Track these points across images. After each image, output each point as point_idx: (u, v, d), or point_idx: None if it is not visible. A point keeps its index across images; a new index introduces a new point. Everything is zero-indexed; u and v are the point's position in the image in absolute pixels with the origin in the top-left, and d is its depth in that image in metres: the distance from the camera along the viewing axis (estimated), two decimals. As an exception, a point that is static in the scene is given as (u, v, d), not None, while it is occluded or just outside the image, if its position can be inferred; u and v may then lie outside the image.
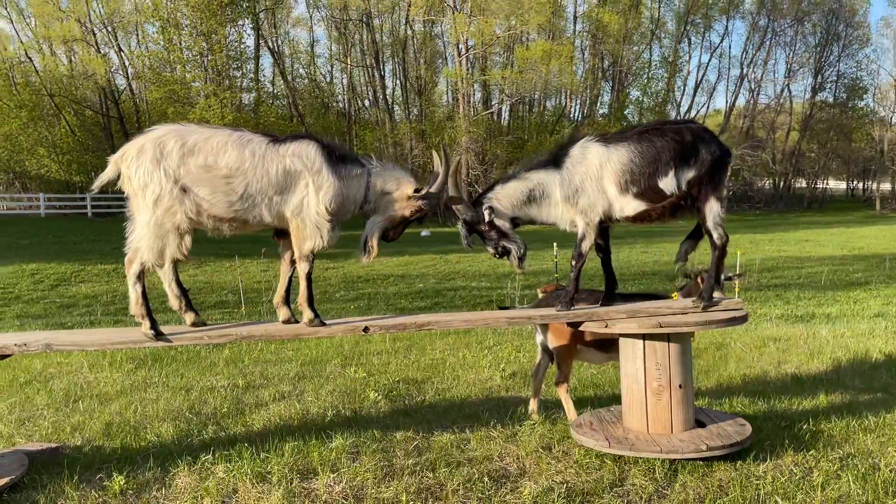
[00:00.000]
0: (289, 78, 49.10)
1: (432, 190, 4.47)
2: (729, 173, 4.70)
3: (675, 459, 4.29)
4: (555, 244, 15.23)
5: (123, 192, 4.17)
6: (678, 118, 53.91)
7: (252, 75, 43.62)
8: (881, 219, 49.80)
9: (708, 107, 62.48)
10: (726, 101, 63.48)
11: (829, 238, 32.16)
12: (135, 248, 4.14)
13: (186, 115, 33.92)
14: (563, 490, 3.99)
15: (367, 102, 52.82)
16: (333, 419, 5.49)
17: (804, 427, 4.99)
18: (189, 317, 4.42)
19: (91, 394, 6.37)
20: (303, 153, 4.27)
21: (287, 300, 4.57)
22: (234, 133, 4.25)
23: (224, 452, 4.53)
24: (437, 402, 6.01)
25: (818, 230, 37.03)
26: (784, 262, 22.39)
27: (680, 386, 4.52)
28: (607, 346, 5.27)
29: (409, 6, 46.22)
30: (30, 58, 40.34)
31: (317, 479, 4.18)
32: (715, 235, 4.59)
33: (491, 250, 4.68)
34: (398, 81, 51.02)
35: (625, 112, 54.68)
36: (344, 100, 52.40)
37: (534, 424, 5.10)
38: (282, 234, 4.47)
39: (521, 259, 4.68)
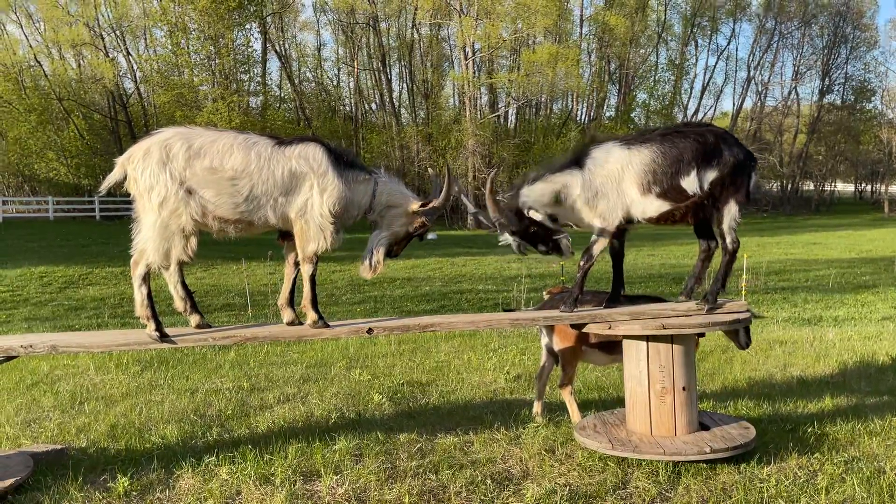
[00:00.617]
0: (296, 81, 49.27)
1: (436, 205, 4.49)
2: (754, 178, 4.72)
3: (678, 462, 4.28)
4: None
5: (130, 195, 4.21)
6: (690, 121, 53.99)
7: (259, 79, 43.81)
8: (889, 221, 49.52)
9: (715, 109, 62.46)
10: (733, 104, 63.38)
11: (836, 241, 32.01)
12: (140, 249, 4.17)
13: (194, 118, 34.08)
14: (566, 492, 3.99)
15: (373, 106, 52.95)
16: (337, 421, 5.50)
17: (809, 430, 4.97)
18: (194, 319, 4.44)
19: (97, 396, 6.40)
20: (309, 155, 4.30)
21: (291, 302, 4.59)
22: (240, 136, 4.28)
23: (228, 454, 4.55)
24: (442, 405, 6.01)
25: (826, 233, 36.86)
26: (791, 264, 22.29)
27: (683, 388, 4.51)
28: (613, 347, 5.26)
29: (416, 10, 46.29)
30: (39, 62, 40.64)
31: (320, 481, 4.19)
32: (728, 240, 4.63)
33: (542, 248, 4.70)
34: (405, 84, 51.15)
35: (631, 115, 54.63)
36: (351, 103, 52.54)
37: (537, 427, 5.10)
38: (286, 236, 4.50)
39: (570, 251, 4.72)
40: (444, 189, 4.50)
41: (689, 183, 4.51)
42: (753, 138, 55.57)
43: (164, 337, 4.20)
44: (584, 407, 5.77)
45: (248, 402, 6.15)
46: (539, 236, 4.66)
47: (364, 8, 46.98)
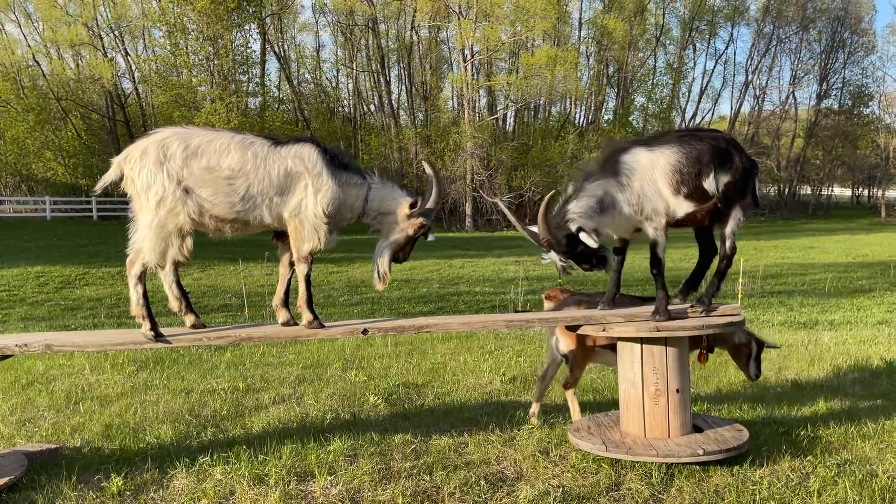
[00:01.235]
0: (294, 83, 49.29)
1: (429, 205, 4.50)
2: (757, 185, 4.82)
3: (671, 464, 4.29)
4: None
5: (128, 195, 4.22)
6: (693, 126, 54.09)
7: (258, 80, 43.81)
8: (886, 226, 49.66)
9: (713, 113, 62.57)
10: (731, 108, 63.64)
11: (833, 245, 32.09)
12: (136, 249, 4.18)
13: (192, 119, 34.08)
14: (560, 494, 4.00)
15: (372, 107, 52.99)
16: (332, 422, 5.51)
17: (802, 433, 4.99)
18: (189, 319, 4.45)
19: (92, 395, 6.40)
20: (304, 155, 4.31)
21: (286, 302, 4.60)
22: (237, 136, 4.30)
23: (222, 454, 4.55)
24: (437, 406, 6.02)
25: (822, 237, 36.93)
26: (788, 268, 22.35)
27: (677, 390, 4.53)
28: None
29: (415, 12, 46.35)
30: (37, 62, 40.62)
31: (314, 482, 4.20)
32: (728, 244, 4.69)
33: (586, 266, 4.61)
34: (403, 86, 51.18)
35: (629, 118, 54.70)
36: (349, 104, 52.60)
37: (532, 429, 5.11)
38: (281, 236, 4.51)
39: (612, 265, 4.69)
40: (434, 189, 4.51)
41: (710, 184, 4.57)
42: (751, 142, 55.69)
43: (159, 337, 4.20)
44: (580, 409, 5.79)
45: (244, 402, 6.15)
46: (585, 255, 4.56)
47: (363, 10, 47.03)
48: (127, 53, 41.42)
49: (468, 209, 42.99)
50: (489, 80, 46.00)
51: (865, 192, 73.15)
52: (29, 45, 41.88)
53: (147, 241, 4.11)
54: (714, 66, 69.63)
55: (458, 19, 43.53)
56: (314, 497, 4.02)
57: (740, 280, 15.33)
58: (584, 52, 51.71)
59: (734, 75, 65.22)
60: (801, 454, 4.56)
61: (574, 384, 5.35)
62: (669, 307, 4.66)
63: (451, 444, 4.85)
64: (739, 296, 14.76)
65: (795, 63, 60.65)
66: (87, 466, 4.45)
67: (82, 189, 38.55)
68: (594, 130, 49.86)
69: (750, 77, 59.48)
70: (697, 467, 4.31)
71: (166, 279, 4.35)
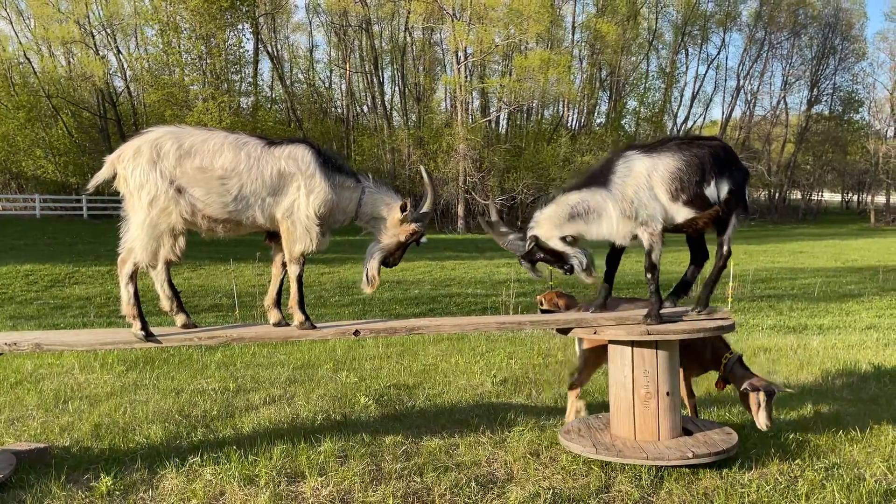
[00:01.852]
0: (287, 83, 49.22)
1: (423, 210, 4.50)
2: (747, 193, 4.88)
3: (661, 466, 4.31)
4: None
5: (119, 194, 4.20)
6: (688, 132, 54.29)
7: (251, 79, 43.72)
8: (875, 231, 50.04)
9: (704, 118, 62.90)
10: (723, 113, 63.92)
11: (822, 250, 32.30)
12: (129, 248, 4.16)
13: (184, 118, 33.96)
14: (550, 496, 4.01)
15: (365, 108, 52.97)
16: (323, 423, 5.50)
17: (791, 437, 5.02)
18: (180, 318, 4.44)
19: (81, 395, 6.37)
20: (298, 156, 4.30)
21: (278, 303, 4.59)
22: (231, 135, 4.29)
23: (212, 455, 4.54)
24: (428, 408, 6.02)
25: (812, 242, 37.17)
26: (778, 272, 22.48)
27: (667, 393, 4.55)
28: None
29: (409, 13, 46.39)
30: (28, 59, 40.35)
31: (304, 483, 4.19)
32: (725, 248, 4.77)
33: (560, 271, 4.74)
34: (397, 88, 51.22)
35: (622, 122, 54.91)
36: (342, 105, 52.53)
37: (522, 431, 5.12)
38: (274, 236, 4.50)
39: (585, 270, 4.66)
40: (428, 195, 4.51)
41: (711, 192, 4.61)
42: (742, 147, 56.00)
43: (149, 336, 4.19)
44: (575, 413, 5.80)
45: (234, 403, 6.13)
46: (549, 261, 4.69)
47: (357, 10, 47.02)
48: (119, 51, 41.24)
49: (460, 211, 43.03)
50: (482, 83, 46.11)
51: (855, 198, 73.67)
52: (20, 42, 41.61)
53: (139, 240, 4.10)
54: (706, 71, 69.82)
55: (452, 21, 43.56)
56: (305, 498, 4.02)
57: (730, 284, 15.41)
58: (577, 55, 51.91)
59: (726, 80, 65.35)
60: (790, 457, 4.59)
61: (579, 385, 5.36)
62: (662, 311, 4.68)
63: (442, 445, 4.86)
64: (729, 300, 14.84)
65: (787, 69, 61.10)
66: (77, 466, 4.43)
67: (72, 187, 38.35)
68: (586, 133, 50.07)
69: (741, 82, 59.90)
70: (687, 470, 4.34)
71: (158, 278, 4.33)
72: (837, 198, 74.39)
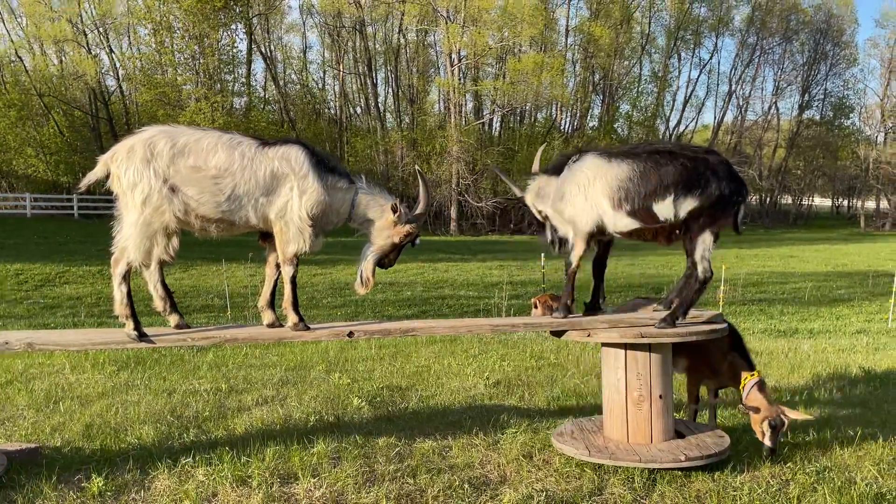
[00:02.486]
0: (281, 83, 49.09)
1: (417, 212, 4.50)
2: (741, 213, 4.56)
3: (653, 469, 4.33)
4: (542, 254, 15.30)
5: (111, 194, 4.19)
6: (672, 134, 54.43)
7: (244, 80, 43.61)
8: (865, 236, 50.36)
9: (696, 122, 63.23)
10: (714, 117, 64.21)
11: (813, 254, 32.48)
12: (122, 247, 4.14)
13: (177, 117, 33.86)
14: (543, 498, 4.01)
15: (358, 109, 52.92)
16: (316, 425, 5.49)
17: (782, 440, 5.04)
18: (173, 319, 4.42)
19: (72, 395, 6.33)
20: (291, 157, 4.29)
21: (272, 304, 4.58)
22: (225, 135, 4.28)
23: (205, 456, 4.52)
24: (421, 410, 6.02)
25: (803, 246, 37.38)
26: (768, 277, 22.58)
27: (660, 396, 4.56)
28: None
29: (403, 15, 46.38)
30: (20, 57, 40.10)
31: (297, 484, 4.18)
32: (700, 269, 4.49)
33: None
34: (390, 89, 51.20)
35: (614, 125, 55.06)
36: (336, 106, 52.42)
37: (515, 433, 5.12)
38: (267, 237, 4.49)
39: (551, 243, 4.93)
40: (421, 196, 4.51)
41: (663, 208, 4.40)
42: (734, 151, 56.28)
43: (142, 336, 4.17)
44: (563, 413, 5.82)
45: (226, 403, 6.11)
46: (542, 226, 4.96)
47: (350, 12, 46.97)
48: (111, 51, 41.05)
49: (453, 213, 43.04)
50: (476, 85, 46.13)
51: (845, 203, 74.09)
52: (11, 41, 41.33)
53: (132, 239, 4.08)
54: (698, 76, 70.49)
55: (446, 23, 43.61)
56: (298, 499, 4.01)
57: (721, 287, 15.47)
58: (570, 58, 51.98)
59: (718, 85, 65.93)
60: (781, 461, 4.62)
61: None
62: (653, 315, 4.69)
63: (435, 447, 4.85)
64: (720, 303, 14.89)
65: (778, 74, 61.49)
66: (68, 466, 4.41)
67: (63, 186, 38.12)
68: (579, 137, 50.14)
69: (733, 87, 60.20)
70: (679, 473, 4.35)
71: (151, 278, 4.31)
72: (828, 203, 74.82)
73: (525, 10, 42.31)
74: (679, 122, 59.61)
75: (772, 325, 13.78)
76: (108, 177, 4.14)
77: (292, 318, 4.41)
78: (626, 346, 4.56)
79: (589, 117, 54.68)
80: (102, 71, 40.21)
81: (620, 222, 4.53)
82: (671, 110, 59.77)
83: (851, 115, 64.25)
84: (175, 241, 4.18)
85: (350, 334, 4.40)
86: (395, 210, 4.42)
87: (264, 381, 7.02)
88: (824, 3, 60.45)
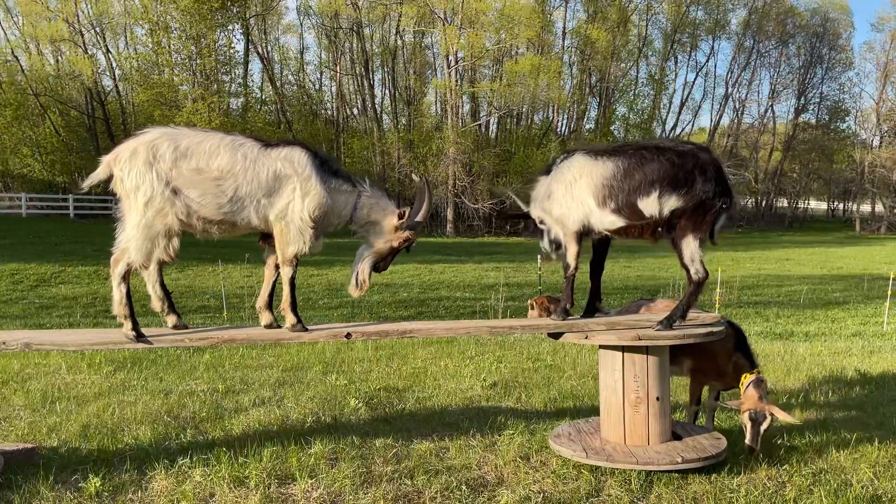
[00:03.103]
0: (277, 84, 49.07)
1: (418, 219, 4.50)
2: (721, 221, 4.47)
3: (651, 471, 4.34)
4: (538, 256, 15.31)
5: (107, 194, 4.21)
6: (682, 139, 54.48)
7: (241, 80, 43.59)
8: (860, 240, 50.52)
9: (693, 125, 63.35)
10: (711, 120, 64.64)
11: (808, 257, 32.58)
12: (122, 248, 4.14)
13: (173, 118, 33.83)
14: (540, 499, 4.02)
15: (355, 111, 52.90)
16: (313, 425, 5.48)
17: (778, 442, 5.06)
18: (171, 319, 4.42)
19: (69, 395, 6.32)
20: (294, 158, 4.30)
21: (270, 305, 4.58)
22: (227, 137, 4.28)
23: (202, 456, 4.51)
24: (418, 411, 6.02)
25: (798, 249, 37.48)
26: (764, 280, 22.64)
27: (658, 398, 4.57)
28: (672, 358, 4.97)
29: (400, 17, 46.43)
30: (16, 56, 40.04)
31: (295, 485, 4.18)
32: (692, 271, 4.45)
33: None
34: (387, 91, 51.24)
35: (611, 128, 55.17)
36: (332, 107, 52.45)
37: (512, 434, 5.13)
38: (267, 238, 4.49)
39: (534, 234, 5.00)
40: (424, 203, 4.51)
41: (648, 204, 4.36)
42: (730, 154, 56.41)
43: (140, 337, 4.16)
44: (560, 415, 5.83)
45: (223, 404, 6.11)
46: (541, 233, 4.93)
47: (348, 13, 47.00)
48: (108, 50, 41.00)
49: (449, 215, 43.06)
50: (473, 87, 46.18)
51: (841, 206, 74.39)
52: (8, 40, 41.30)
53: (134, 240, 4.07)
54: (695, 79, 70.39)
55: (443, 25, 43.65)
56: (295, 500, 4.01)
57: (718, 290, 15.52)
58: (567, 61, 52.17)
59: (714, 88, 65.92)
60: (778, 463, 4.63)
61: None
62: (650, 317, 4.70)
63: (432, 448, 4.86)
64: (717, 306, 14.93)
65: (774, 77, 61.75)
66: (65, 466, 4.40)
67: (59, 186, 38.05)
68: (576, 139, 50.23)
69: (730, 90, 60.44)
70: (676, 475, 4.36)
71: (150, 279, 4.31)
72: (823, 206, 75.09)
73: (522, 12, 42.43)
74: (675, 125, 59.84)
75: (768, 327, 13.81)
76: (110, 178, 4.14)
77: (290, 319, 4.41)
78: (623, 349, 4.57)
79: (585, 120, 54.87)
80: (99, 71, 40.16)
81: (606, 219, 4.52)
82: (668, 113, 60.05)
83: (847, 118, 64.63)
84: (175, 242, 4.18)
85: (348, 336, 4.40)
86: (401, 217, 4.43)
87: (261, 381, 7.01)
88: (820, 6, 60.75)
